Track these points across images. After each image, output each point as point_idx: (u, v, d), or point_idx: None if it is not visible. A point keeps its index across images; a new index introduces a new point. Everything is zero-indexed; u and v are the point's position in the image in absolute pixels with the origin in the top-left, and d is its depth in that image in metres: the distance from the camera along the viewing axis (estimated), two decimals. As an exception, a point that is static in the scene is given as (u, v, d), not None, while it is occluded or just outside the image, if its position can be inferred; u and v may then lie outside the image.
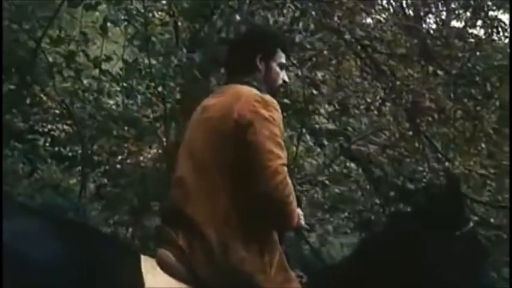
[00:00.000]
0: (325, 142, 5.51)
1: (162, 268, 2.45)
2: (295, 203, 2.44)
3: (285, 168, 2.37)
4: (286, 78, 2.71)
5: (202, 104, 2.61)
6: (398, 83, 5.94)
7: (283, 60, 2.69)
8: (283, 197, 2.37)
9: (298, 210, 2.54)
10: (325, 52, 5.25)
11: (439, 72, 6.39)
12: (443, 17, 8.69)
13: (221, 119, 2.44)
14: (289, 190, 2.38)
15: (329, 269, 3.20)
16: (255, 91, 2.50)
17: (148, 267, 2.40)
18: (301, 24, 4.49)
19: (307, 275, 2.79)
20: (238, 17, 4.60)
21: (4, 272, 2.09)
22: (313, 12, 4.61)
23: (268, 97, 2.47)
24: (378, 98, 6.09)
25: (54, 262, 2.21)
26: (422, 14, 8.60)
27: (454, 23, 8.34)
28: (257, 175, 2.35)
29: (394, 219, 3.49)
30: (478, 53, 6.87)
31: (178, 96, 5.26)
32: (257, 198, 2.39)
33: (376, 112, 6.11)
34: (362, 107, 5.95)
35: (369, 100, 6.11)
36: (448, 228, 2.93)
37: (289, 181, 2.39)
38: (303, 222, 2.57)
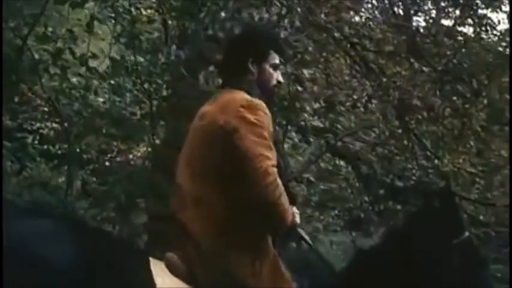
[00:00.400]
0: (311, 139, 5.52)
1: (170, 270, 2.51)
2: (287, 203, 2.45)
3: (275, 169, 2.39)
4: (280, 78, 2.74)
5: (199, 111, 2.64)
6: (385, 79, 5.95)
7: (277, 61, 2.70)
8: (274, 198, 2.39)
9: (294, 209, 2.55)
10: (310, 49, 5.23)
11: (425, 69, 6.39)
12: (433, 15, 8.72)
13: (210, 126, 2.48)
14: (280, 191, 2.40)
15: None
16: (243, 96, 2.53)
17: (158, 270, 2.47)
18: (286, 21, 4.48)
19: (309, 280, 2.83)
20: (223, 14, 4.60)
21: (19, 271, 2.16)
22: (299, 9, 4.61)
23: (255, 101, 2.49)
24: (364, 95, 6.09)
25: (69, 263, 2.28)
26: (412, 12, 8.64)
27: (444, 21, 8.36)
28: (247, 178, 2.38)
29: (392, 232, 3.56)
30: (463, 50, 6.87)
31: (165, 93, 5.26)
32: (249, 202, 2.43)
33: (362, 109, 6.11)
34: (348, 104, 5.95)
35: (355, 97, 6.12)
36: (445, 238, 2.99)
37: (280, 182, 2.41)
38: (298, 220, 2.56)
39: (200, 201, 2.47)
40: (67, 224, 2.45)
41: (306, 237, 2.67)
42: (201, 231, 2.45)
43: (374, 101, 6.44)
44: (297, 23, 4.80)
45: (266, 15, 4.32)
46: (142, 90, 5.33)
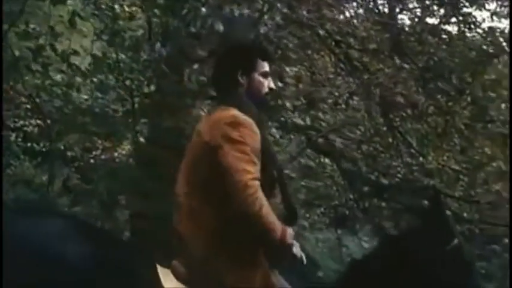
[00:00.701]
0: (292, 136, 5.53)
1: (176, 277, 2.64)
2: (271, 217, 2.49)
3: (256, 183, 2.45)
4: (272, 85, 2.78)
5: (196, 127, 2.76)
6: (369, 77, 5.97)
7: (266, 69, 2.75)
8: (254, 210, 2.44)
9: (290, 230, 2.56)
10: (290, 45, 5.24)
11: (408, 66, 6.41)
12: (418, 13, 8.74)
13: (199, 143, 2.60)
14: (261, 203, 2.45)
15: None
16: (230, 113, 2.59)
17: (164, 275, 2.62)
18: (266, 17, 4.49)
19: None
20: (204, 10, 4.60)
21: (39, 269, 2.32)
22: (279, 5, 4.61)
23: (240, 118, 2.56)
24: (346, 92, 6.11)
25: (83, 261, 2.45)
26: (397, 10, 8.67)
27: (429, 20, 8.38)
28: (229, 191, 2.46)
29: (386, 241, 3.67)
30: (447, 48, 6.90)
31: (146, 90, 5.25)
32: (235, 215, 2.50)
33: (344, 106, 6.12)
34: (330, 101, 5.96)
35: (337, 94, 6.13)
36: (436, 245, 3.06)
37: (261, 195, 2.45)
38: (289, 240, 2.53)
39: (193, 214, 2.57)
40: (76, 225, 2.62)
41: (300, 254, 2.64)
42: (194, 242, 2.56)
43: (356, 98, 6.45)
44: (279, 20, 4.79)
45: (247, 11, 4.32)
46: (124, 87, 5.31)
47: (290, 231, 2.55)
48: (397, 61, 6.59)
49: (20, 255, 2.32)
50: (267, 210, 2.47)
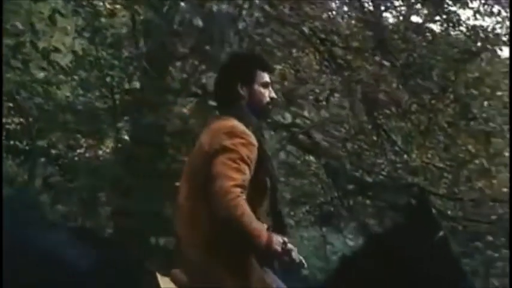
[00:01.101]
0: (272, 133, 5.54)
1: (176, 284, 2.68)
2: (254, 223, 2.51)
3: (238, 189, 2.48)
4: (273, 95, 2.83)
5: (199, 138, 2.80)
6: (352, 74, 5.98)
7: (266, 79, 2.79)
8: (236, 214, 2.46)
9: (277, 236, 2.58)
10: (273, 43, 5.25)
11: (389, 63, 6.43)
12: (403, 11, 8.76)
13: (200, 151, 2.66)
14: (243, 209, 2.47)
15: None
16: (229, 123, 2.65)
17: (165, 282, 2.66)
18: (245, 13, 4.50)
19: None
20: (184, 5, 4.60)
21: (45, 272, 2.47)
22: (257, 1, 4.61)
23: (238, 128, 2.62)
24: (328, 89, 6.12)
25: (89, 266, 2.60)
26: (382, 8, 8.68)
27: (413, 18, 8.40)
28: (212, 197, 2.50)
29: (374, 238, 3.72)
30: (431, 46, 6.93)
31: (127, 86, 5.25)
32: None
33: (324, 103, 6.14)
34: (311, 97, 5.97)
35: (317, 91, 6.15)
36: (423, 238, 3.10)
37: (243, 202, 2.49)
38: (278, 248, 2.54)
39: (191, 218, 2.62)
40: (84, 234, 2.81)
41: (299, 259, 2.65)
42: (190, 245, 2.62)
43: (337, 95, 6.46)
44: (260, 17, 4.80)
45: (225, 7, 4.33)
46: (105, 84, 5.30)
47: (277, 237, 2.57)
48: (381, 59, 6.61)
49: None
50: (249, 216, 2.49)
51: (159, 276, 2.67)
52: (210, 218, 2.54)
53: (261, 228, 2.53)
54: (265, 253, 2.55)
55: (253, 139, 2.61)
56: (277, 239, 2.55)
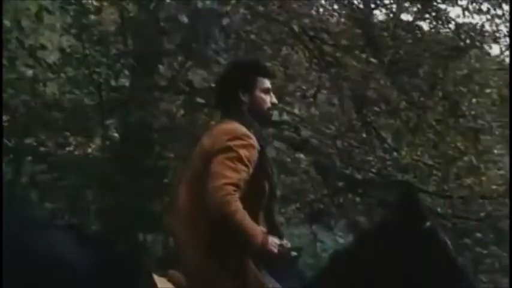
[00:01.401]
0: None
1: (174, 284, 2.71)
2: (249, 222, 2.54)
3: (231, 187, 2.51)
4: (274, 100, 2.85)
5: (200, 140, 2.85)
6: (335, 70, 5.99)
7: (267, 85, 2.83)
8: (228, 212, 2.49)
9: (272, 238, 2.61)
10: (252, 36, 5.25)
11: (378, 61, 6.44)
12: (393, 9, 8.77)
13: (203, 151, 2.70)
14: (235, 207, 2.50)
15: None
16: (231, 126, 2.69)
17: (161, 282, 2.69)
18: (230, 9, 4.50)
19: None
20: (169, 1, 4.61)
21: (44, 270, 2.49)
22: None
23: (240, 130, 2.66)
24: (315, 86, 6.13)
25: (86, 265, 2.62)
26: (373, 6, 8.69)
27: (403, 16, 8.42)
28: (207, 195, 2.53)
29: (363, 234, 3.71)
30: (416, 42, 6.94)
31: (113, 83, 5.25)
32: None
33: (312, 99, 6.15)
34: (298, 93, 5.98)
35: (304, 88, 6.15)
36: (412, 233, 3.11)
37: (236, 199, 2.51)
38: (274, 249, 2.57)
39: (190, 219, 2.65)
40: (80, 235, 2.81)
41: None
42: (188, 246, 2.66)
43: (324, 92, 6.47)
44: (247, 14, 4.80)
45: (208, 2, 4.33)
46: (92, 81, 5.30)
47: (273, 239, 2.60)
48: (370, 56, 6.63)
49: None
50: (243, 215, 2.52)
51: (155, 277, 2.69)
52: (208, 219, 2.57)
53: (255, 227, 2.56)
54: (260, 252, 2.57)
55: (254, 141, 2.65)
56: (273, 240, 2.59)
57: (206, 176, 2.56)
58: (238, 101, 2.76)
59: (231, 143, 2.59)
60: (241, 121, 2.71)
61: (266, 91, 2.82)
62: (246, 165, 2.57)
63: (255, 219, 2.60)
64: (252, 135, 2.66)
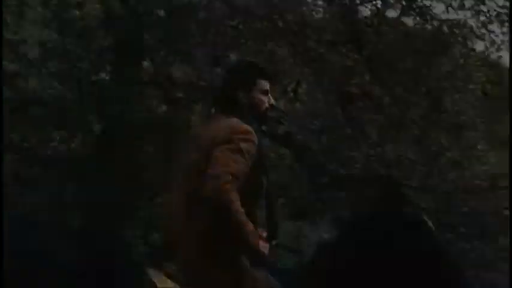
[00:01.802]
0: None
1: (170, 279, 2.80)
2: (243, 216, 2.54)
3: (229, 176, 2.52)
4: (272, 101, 2.90)
5: (194, 132, 2.96)
6: (318, 66, 6.00)
7: (267, 87, 2.88)
8: (224, 200, 2.50)
9: (264, 244, 2.62)
10: (231, 32, 5.25)
11: (360, 56, 6.45)
12: (378, 5, 8.78)
13: (197, 149, 2.70)
14: (232, 197, 2.51)
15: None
16: (234, 120, 2.73)
17: (156, 275, 2.79)
18: (206, 3, 4.49)
19: None
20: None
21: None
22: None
23: (242, 126, 2.70)
24: (295, 80, 6.13)
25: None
26: (358, 2, 8.70)
27: (388, 12, 8.42)
28: (204, 181, 2.53)
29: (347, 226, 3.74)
30: (399, 38, 6.96)
31: (94, 78, 5.23)
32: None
33: (292, 94, 6.16)
34: (283, 89, 5.99)
35: (285, 83, 6.16)
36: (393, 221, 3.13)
37: (233, 190, 2.52)
38: (265, 251, 2.59)
39: (185, 214, 2.66)
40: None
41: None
42: (183, 242, 2.67)
43: (305, 86, 6.48)
44: (224, 9, 4.79)
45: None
46: (73, 76, 5.28)
47: (263, 237, 2.62)
48: (353, 52, 6.64)
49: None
50: (238, 207, 2.52)
51: (151, 271, 2.71)
52: (204, 215, 2.58)
53: (249, 224, 2.54)
54: (250, 249, 2.58)
55: (254, 137, 2.68)
56: (263, 240, 2.61)
57: (205, 167, 2.57)
58: (237, 101, 2.82)
59: (234, 136, 2.63)
60: (241, 118, 2.75)
61: (265, 93, 2.87)
62: (245, 158, 2.60)
63: (252, 216, 2.59)
64: (252, 131, 2.70)
